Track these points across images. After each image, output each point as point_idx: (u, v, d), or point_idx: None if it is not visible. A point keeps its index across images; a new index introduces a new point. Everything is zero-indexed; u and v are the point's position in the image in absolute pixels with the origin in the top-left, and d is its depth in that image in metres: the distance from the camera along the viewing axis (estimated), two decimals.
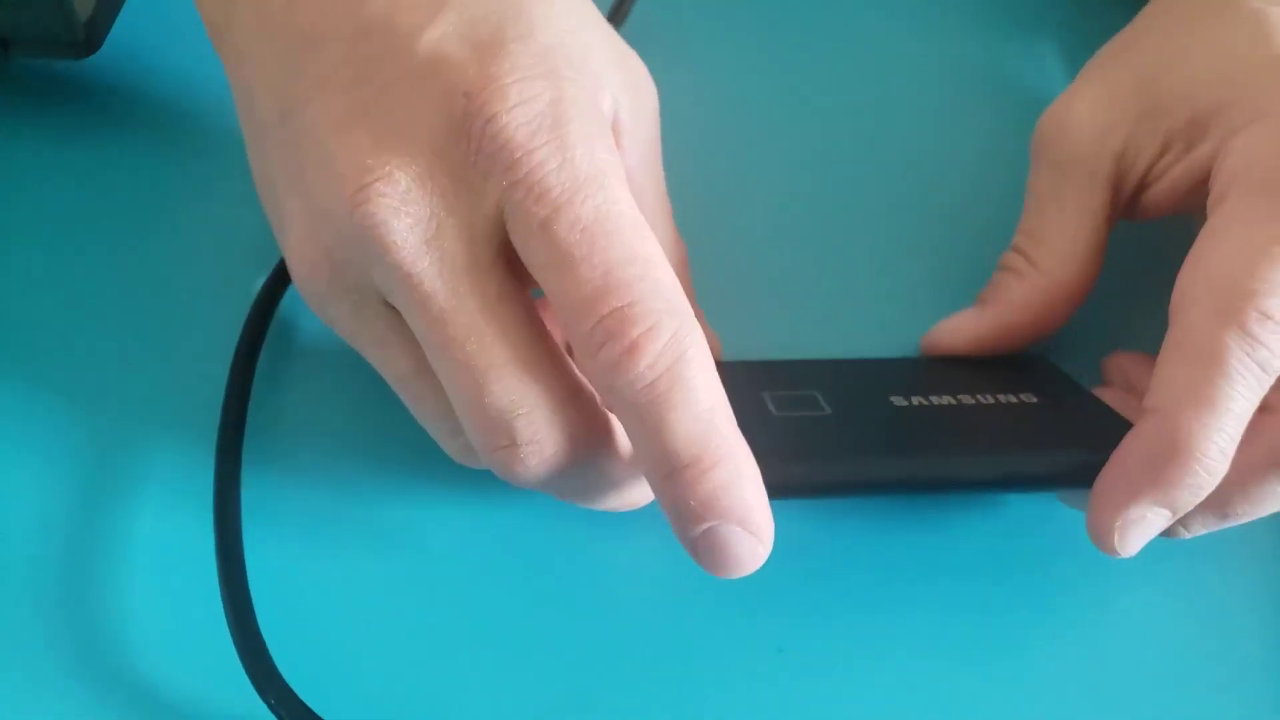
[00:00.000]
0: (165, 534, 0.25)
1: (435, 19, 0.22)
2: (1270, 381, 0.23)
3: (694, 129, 0.34)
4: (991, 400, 0.26)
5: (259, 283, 0.28)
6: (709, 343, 0.22)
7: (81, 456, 0.26)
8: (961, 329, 0.29)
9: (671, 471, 0.20)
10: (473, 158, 0.21)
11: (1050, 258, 0.28)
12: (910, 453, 0.24)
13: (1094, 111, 0.29)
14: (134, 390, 0.27)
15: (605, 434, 0.22)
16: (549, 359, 0.22)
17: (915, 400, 0.26)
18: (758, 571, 0.23)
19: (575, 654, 0.24)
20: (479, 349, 0.21)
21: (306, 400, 0.27)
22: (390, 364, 0.23)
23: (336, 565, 0.25)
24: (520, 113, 0.21)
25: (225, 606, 0.23)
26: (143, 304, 0.29)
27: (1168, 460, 0.22)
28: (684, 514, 0.20)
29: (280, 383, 0.28)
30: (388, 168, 0.21)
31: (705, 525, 0.20)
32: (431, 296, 0.21)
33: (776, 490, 0.22)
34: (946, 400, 0.26)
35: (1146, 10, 0.30)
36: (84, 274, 0.29)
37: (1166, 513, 0.23)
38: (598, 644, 0.24)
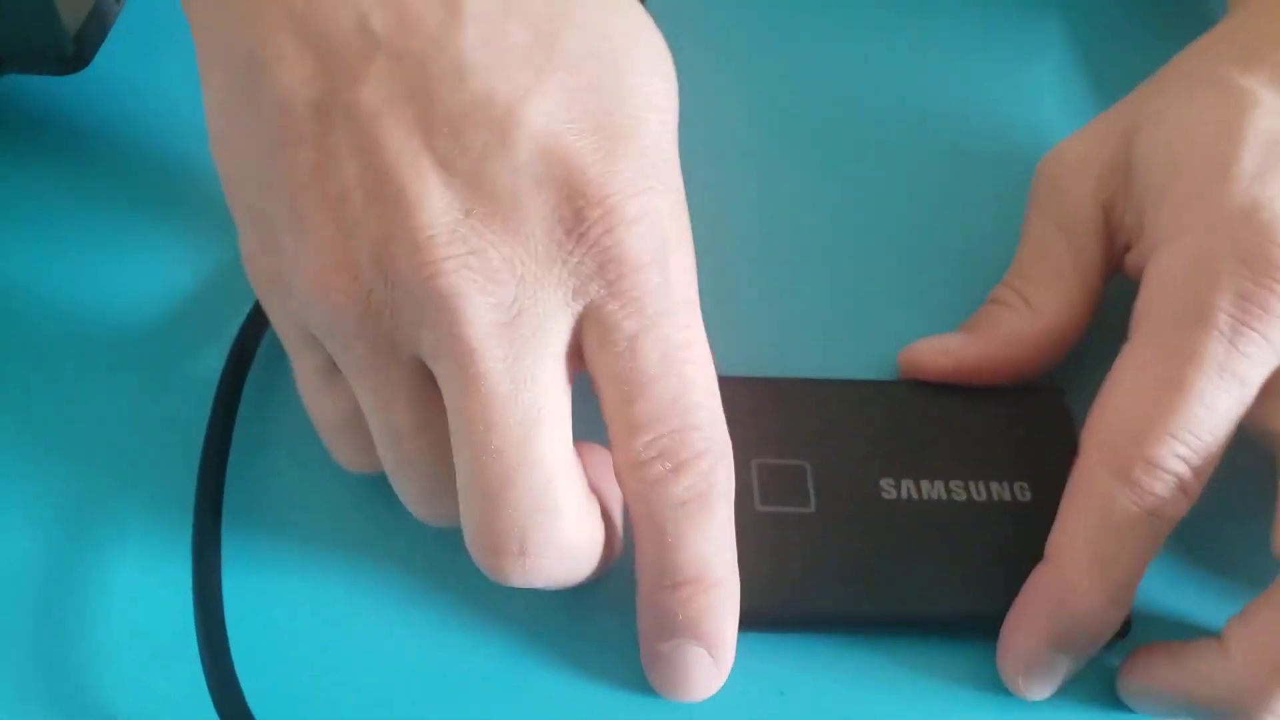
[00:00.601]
0: (143, 585, 0.25)
1: (541, 86, 0.20)
2: (1171, 523, 0.23)
3: (687, 136, 0.34)
4: (983, 495, 0.26)
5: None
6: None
7: (58, 504, 0.26)
8: (948, 351, 0.28)
9: (673, 584, 0.22)
10: (578, 260, 0.21)
11: (1044, 301, 0.28)
12: (885, 589, 0.25)
13: (1085, 161, 0.28)
14: (112, 434, 0.27)
15: (605, 550, 0.23)
16: (577, 467, 0.22)
17: (906, 488, 0.26)
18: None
19: (567, 698, 0.24)
20: (523, 443, 0.21)
21: (287, 444, 0.27)
22: (391, 414, 0.22)
23: (317, 616, 0.25)
24: (640, 229, 0.21)
25: (202, 657, 0.23)
26: (124, 337, 0.28)
27: (1060, 611, 0.23)
28: (665, 626, 0.22)
29: (263, 426, 0.27)
30: (481, 242, 0.20)
31: (679, 641, 0.22)
32: (489, 378, 0.20)
33: (747, 626, 0.23)
34: (938, 491, 0.26)
35: (1167, 64, 0.29)
36: (63, 306, 0.29)
37: (1067, 657, 0.23)
38: (592, 688, 0.24)
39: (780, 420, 0.27)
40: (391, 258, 0.20)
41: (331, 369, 0.23)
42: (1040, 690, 0.24)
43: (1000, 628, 0.24)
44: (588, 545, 0.22)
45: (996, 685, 0.24)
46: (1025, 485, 0.26)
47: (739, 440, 0.25)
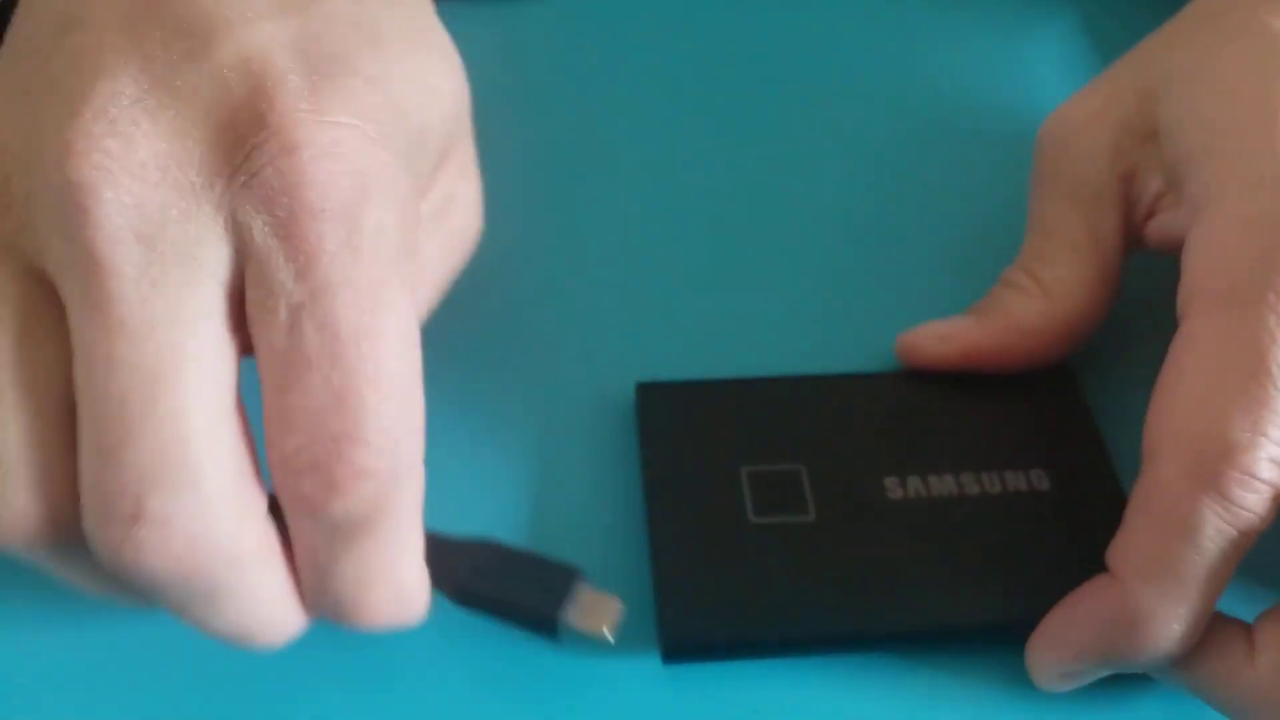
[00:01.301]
0: None
1: (277, 17, 0.18)
2: (1252, 540, 0.20)
3: (675, 126, 0.34)
4: (998, 487, 0.24)
5: None
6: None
7: None
8: (952, 337, 0.26)
9: (333, 614, 0.20)
10: (244, 180, 0.17)
11: (1058, 282, 0.25)
12: (895, 600, 0.22)
13: (1095, 126, 0.25)
14: None
15: (259, 546, 0.19)
16: (229, 440, 0.18)
17: (912, 486, 0.24)
18: (741, 671, 0.23)
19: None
20: (152, 390, 0.17)
21: None
22: None
23: None
24: (330, 166, 0.17)
25: None
26: None
27: (1122, 633, 0.20)
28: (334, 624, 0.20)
29: None
30: (134, 131, 0.17)
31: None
32: (117, 300, 0.17)
33: (744, 651, 0.22)
34: (948, 486, 0.24)
35: (1174, 17, 0.26)
36: None
37: (1106, 671, 0.21)
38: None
39: (771, 423, 0.25)
40: (40, 139, 0.17)
41: None
42: (1063, 689, 0.22)
43: (1023, 634, 0.22)
44: (238, 540, 0.18)
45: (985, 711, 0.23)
46: (1042, 472, 0.24)
47: (727, 447, 0.24)
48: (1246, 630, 0.21)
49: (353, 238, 0.17)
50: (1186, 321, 0.21)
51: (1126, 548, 0.21)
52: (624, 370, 0.26)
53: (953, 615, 0.22)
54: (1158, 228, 0.25)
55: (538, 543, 0.24)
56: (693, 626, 0.22)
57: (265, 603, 0.19)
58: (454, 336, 0.25)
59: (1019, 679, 0.23)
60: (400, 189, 0.19)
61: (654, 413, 0.25)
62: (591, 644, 0.21)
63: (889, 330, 0.27)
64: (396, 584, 0.20)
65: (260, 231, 0.17)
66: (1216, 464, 0.19)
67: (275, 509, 0.19)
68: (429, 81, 0.20)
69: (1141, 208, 0.25)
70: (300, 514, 0.18)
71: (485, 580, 0.21)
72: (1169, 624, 0.20)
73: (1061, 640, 0.21)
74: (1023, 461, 0.24)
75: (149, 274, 0.17)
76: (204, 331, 0.17)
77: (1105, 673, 0.21)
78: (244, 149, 0.17)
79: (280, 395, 0.17)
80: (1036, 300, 0.25)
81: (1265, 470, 0.19)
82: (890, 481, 0.24)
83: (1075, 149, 0.26)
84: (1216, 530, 0.19)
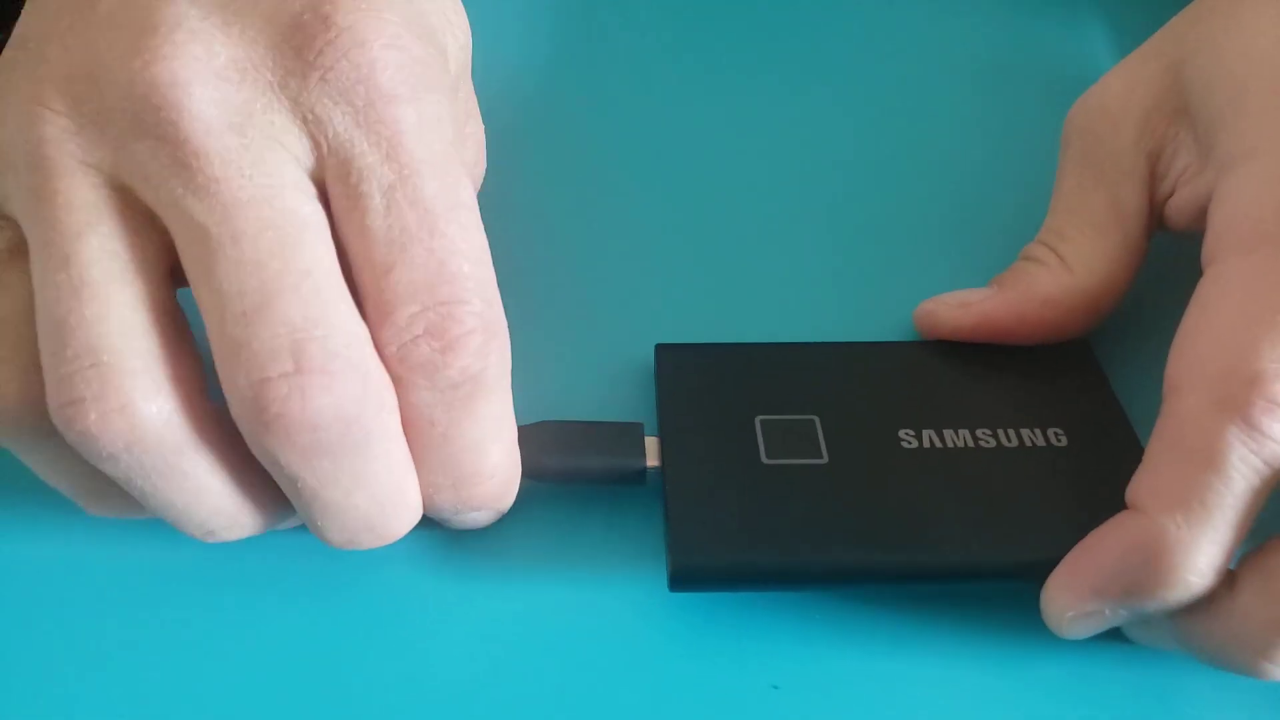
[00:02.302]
0: None
1: None
2: (1276, 479, 0.19)
3: (700, 101, 0.34)
4: (1014, 441, 0.24)
5: None
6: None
7: None
8: (969, 304, 0.26)
9: (452, 482, 0.21)
10: (320, 76, 0.18)
11: (1081, 257, 0.25)
12: (910, 535, 0.22)
13: (1125, 104, 0.26)
14: None
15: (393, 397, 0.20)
16: (348, 294, 0.19)
17: (928, 437, 0.24)
18: (751, 608, 0.23)
19: (560, 692, 0.22)
20: (285, 247, 0.18)
21: None
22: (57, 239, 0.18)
23: None
24: (395, 56, 0.19)
25: None
26: None
27: (1146, 568, 0.20)
28: (447, 511, 0.22)
29: None
30: (211, 40, 0.18)
31: (462, 515, 0.22)
32: (225, 181, 0.18)
33: (754, 582, 0.22)
34: (964, 439, 0.24)
35: None
36: None
37: (1126, 614, 0.21)
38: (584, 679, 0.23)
39: (786, 381, 0.25)
40: (110, 61, 0.18)
41: None
42: (1080, 634, 0.21)
43: (1038, 578, 0.21)
44: (384, 383, 0.19)
45: (1000, 684, 0.22)
46: (1060, 431, 0.24)
47: (742, 400, 0.24)
48: (1230, 573, 0.20)
49: (423, 119, 0.19)
50: (1213, 266, 0.21)
51: (1149, 480, 0.20)
52: (646, 337, 0.27)
53: (964, 554, 0.22)
54: (1179, 204, 0.25)
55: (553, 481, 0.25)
56: (699, 553, 0.22)
57: (397, 468, 0.20)
58: None
59: (1028, 624, 0.22)
60: (447, 82, 0.20)
61: (672, 371, 0.25)
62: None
63: (908, 303, 0.27)
64: (508, 445, 0.21)
65: (341, 122, 0.19)
66: (1243, 392, 0.19)
67: None
68: (447, 14, 0.22)
69: (1166, 185, 0.25)
70: (419, 382, 0.19)
71: (563, 452, 0.23)
72: (1193, 556, 0.19)
73: (1080, 577, 0.21)
74: (1040, 421, 0.24)
75: (248, 156, 0.18)
76: (309, 199, 0.19)
77: (1118, 621, 0.21)
78: (315, 47, 0.18)
79: (385, 276, 0.19)
80: (1057, 273, 0.25)
81: None
82: (905, 433, 0.24)
83: (1103, 128, 0.26)
84: (1242, 459, 0.19)
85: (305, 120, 0.19)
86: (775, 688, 0.22)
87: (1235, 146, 0.22)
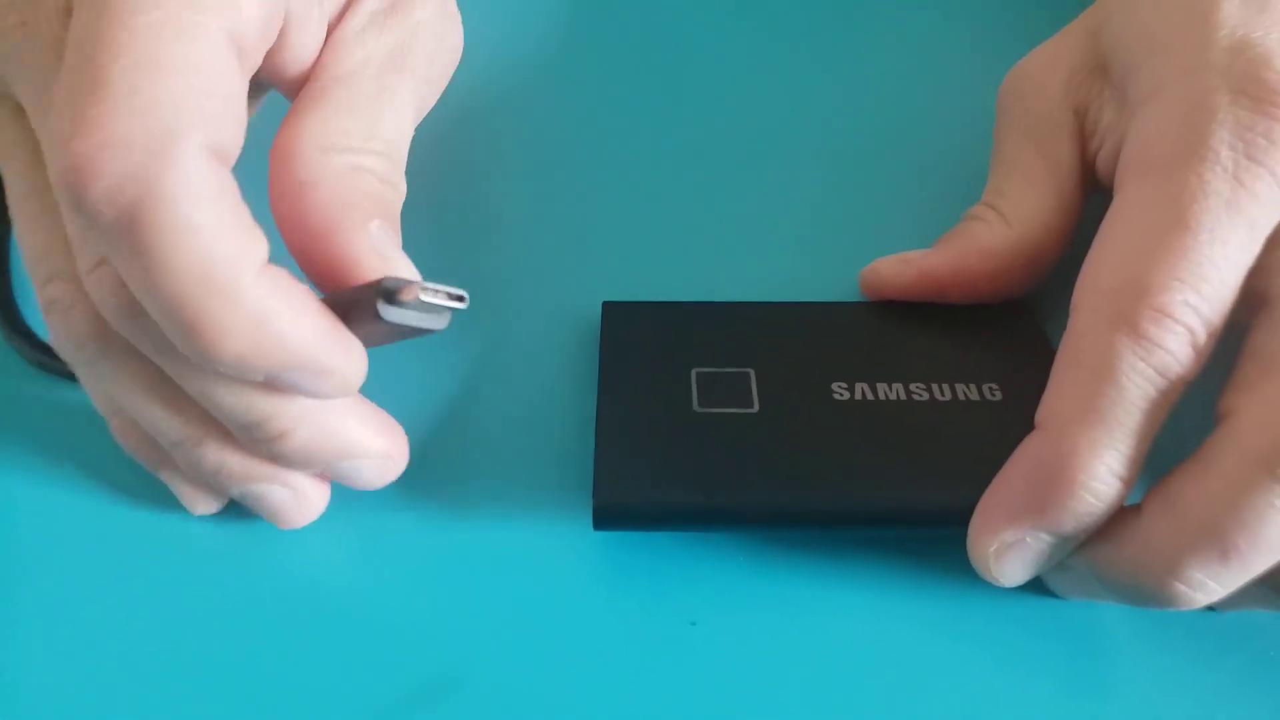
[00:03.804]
0: None
1: None
2: (1177, 389, 0.20)
3: (657, 61, 0.35)
4: (947, 395, 0.24)
5: None
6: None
7: None
8: (910, 260, 0.27)
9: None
10: None
11: (1017, 211, 0.26)
12: (835, 481, 0.22)
13: (1052, 66, 0.27)
14: None
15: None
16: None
17: (860, 390, 0.24)
18: (672, 550, 0.24)
19: (485, 629, 0.24)
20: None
21: None
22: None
23: None
24: None
25: None
26: None
27: (1050, 481, 0.20)
28: None
29: None
30: None
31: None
32: None
33: (676, 522, 0.22)
34: (896, 392, 0.24)
35: None
36: None
37: (1049, 538, 0.21)
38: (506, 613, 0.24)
39: (726, 337, 0.26)
40: None
41: None
42: (1011, 572, 0.21)
43: (963, 522, 0.22)
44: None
45: (912, 620, 0.23)
46: (995, 386, 0.24)
47: (680, 353, 0.25)
48: (1136, 506, 0.21)
49: None
50: (1118, 193, 0.22)
51: (1050, 399, 0.21)
52: (595, 296, 0.28)
53: (889, 498, 0.22)
54: (1106, 157, 0.25)
55: (495, 427, 0.26)
56: (623, 491, 0.22)
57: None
58: (439, 251, 0.27)
59: (950, 564, 0.23)
60: None
61: (616, 327, 0.26)
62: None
63: (855, 267, 0.28)
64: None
65: None
66: (1132, 304, 0.20)
67: None
68: None
69: (1095, 142, 0.26)
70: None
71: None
72: (1091, 463, 0.20)
73: (994, 505, 0.21)
74: (975, 377, 0.24)
75: None
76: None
77: (1041, 554, 0.21)
78: None
79: None
80: (995, 227, 0.26)
81: (1182, 312, 0.20)
82: (837, 386, 0.24)
83: (1032, 91, 0.27)
84: (1132, 368, 0.20)
85: None
86: (693, 624, 0.23)
87: (1144, 87, 0.23)
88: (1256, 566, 0.19)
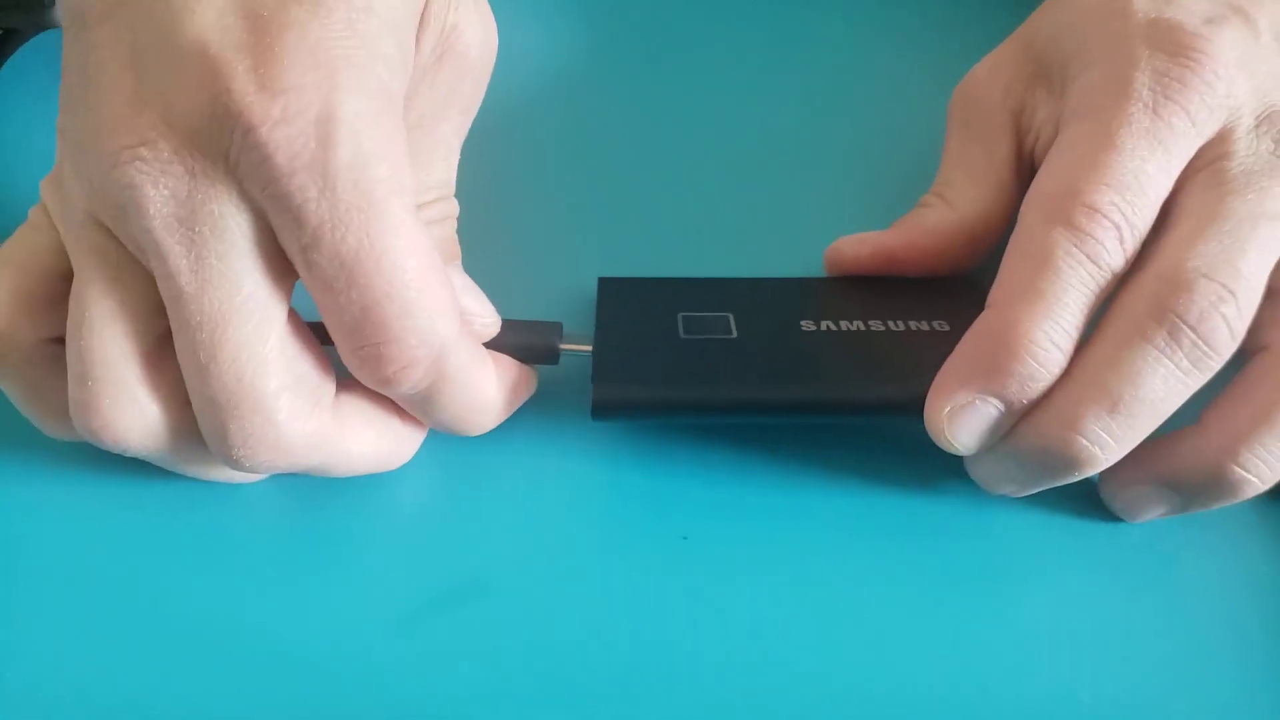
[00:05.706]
0: None
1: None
2: (1106, 275, 0.23)
3: (656, 61, 0.37)
4: (901, 327, 0.27)
5: None
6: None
7: None
8: (866, 239, 0.30)
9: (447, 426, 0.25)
10: (235, 159, 0.20)
11: (960, 197, 0.30)
12: (804, 378, 0.25)
13: (993, 74, 0.30)
14: None
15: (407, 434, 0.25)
16: (293, 359, 0.22)
17: (825, 325, 0.27)
18: (664, 469, 0.27)
19: (482, 534, 0.26)
20: (211, 339, 0.21)
21: None
22: (103, 286, 0.22)
23: None
24: (282, 132, 0.20)
25: None
26: None
27: (997, 347, 0.23)
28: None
29: None
30: (154, 133, 0.20)
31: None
32: (177, 275, 0.21)
33: (666, 409, 0.25)
34: (856, 326, 0.27)
35: None
36: None
37: (996, 402, 0.24)
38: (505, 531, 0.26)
39: (711, 296, 0.29)
40: (91, 155, 0.21)
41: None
42: (963, 435, 0.24)
43: (918, 411, 0.25)
44: (309, 436, 0.23)
45: (889, 539, 0.26)
46: (944, 322, 0.27)
47: (667, 305, 0.28)
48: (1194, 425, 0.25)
49: (328, 182, 0.20)
50: (1059, 137, 0.26)
51: (998, 285, 0.24)
52: (591, 274, 0.30)
53: (853, 389, 0.25)
54: (1043, 148, 0.29)
55: None
56: (618, 384, 0.26)
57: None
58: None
59: (918, 452, 0.26)
60: (358, 101, 0.21)
61: (610, 298, 0.29)
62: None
63: (822, 248, 0.31)
64: (482, 409, 0.25)
65: (259, 196, 0.21)
66: (1068, 203, 0.24)
67: None
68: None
69: (1030, 137, 0.29)
70: (386, 393, 0.23)
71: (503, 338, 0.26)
72: (1032, 331, 0.23)
73: (946, 374, 0.24)
74: (926, 315, 0.28)
75: (194, 247, 0.21)
76: (250, 283, 0.21)
77: (990, 425, 0.24)
78: (225, 138, 0.20)
79: (326, 316, 0.22)
80: (941, 210, 0.30)
81: (1109, 210, 0.23)
82: (806, 323, 0.28)
83: (975, 97, 0.31)
84: (1068, 254, 0.23)
85: (237, 192, 0.21)
86: (685, 538, 0.26)
87: (1077, 66, 0.27)
88: (1142, 418, 0.23)
